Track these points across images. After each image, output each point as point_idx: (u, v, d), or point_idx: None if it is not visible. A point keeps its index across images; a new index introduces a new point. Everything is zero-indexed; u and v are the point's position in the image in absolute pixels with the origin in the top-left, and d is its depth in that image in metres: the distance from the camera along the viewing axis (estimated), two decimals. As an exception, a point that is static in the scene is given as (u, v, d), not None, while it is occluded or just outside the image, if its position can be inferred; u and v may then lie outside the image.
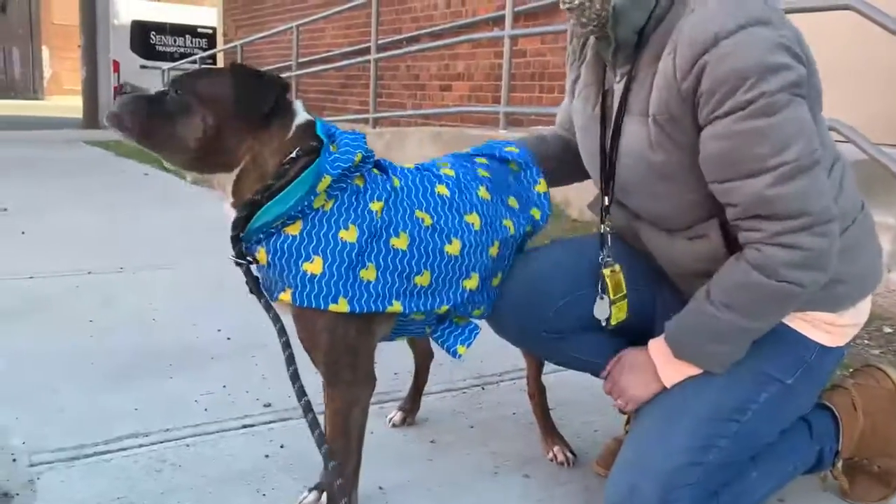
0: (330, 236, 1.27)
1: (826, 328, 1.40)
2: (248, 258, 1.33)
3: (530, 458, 1.77)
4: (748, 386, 1.36)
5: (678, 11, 1.29)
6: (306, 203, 1.26)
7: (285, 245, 1.28)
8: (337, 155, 1.28)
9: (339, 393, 1.36)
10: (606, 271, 1.48)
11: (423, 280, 1.34)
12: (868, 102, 3.65)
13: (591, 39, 1.46)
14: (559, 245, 1.65)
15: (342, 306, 1.27)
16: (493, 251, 1.44)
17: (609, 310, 1.49)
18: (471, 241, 1.39)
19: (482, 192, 1.45)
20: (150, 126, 1.28)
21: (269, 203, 1.26)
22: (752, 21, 1.20)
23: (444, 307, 1.39)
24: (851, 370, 1.68)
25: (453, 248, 1.36)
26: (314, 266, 1.26)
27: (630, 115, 1.36)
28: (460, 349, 1.47)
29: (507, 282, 1.51)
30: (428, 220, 1.35)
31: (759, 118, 1.19)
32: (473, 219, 1.41)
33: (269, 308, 1.34)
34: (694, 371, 1.36)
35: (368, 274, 1.28)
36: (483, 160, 1.55)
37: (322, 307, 1.27)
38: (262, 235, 1.29)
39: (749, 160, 1.21)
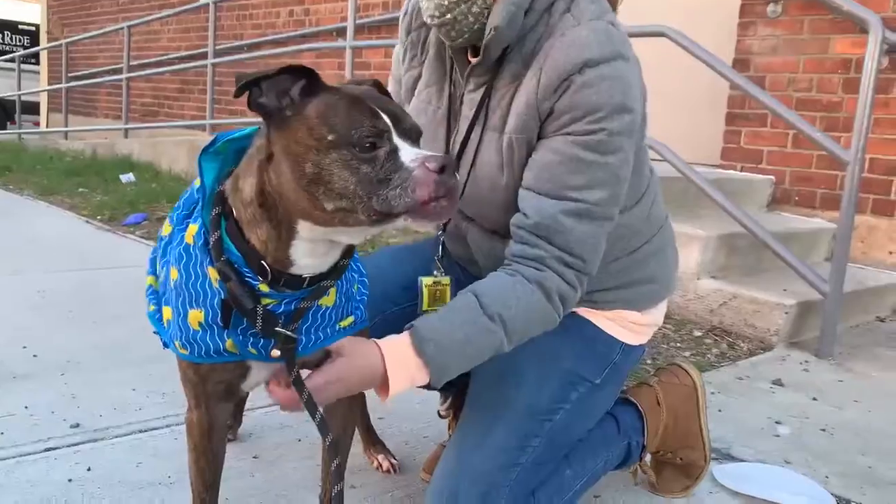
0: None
1: (630, 327, 1.48)
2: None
3: (358, 469, 1.74)
4: (560, 387, 1.41)
5: (544, 31, 1.29)
6: None
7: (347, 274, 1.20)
8: None
9: None
10: (427, 280, 1.44)
11: None
12: (680, 124, 3.94)
13: (433, 37, 1.43)
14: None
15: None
16: None
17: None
18: None
19: None
20: None
21: None
22: (616, 55, 1.23)
23: None
24: (657, 368, 1.79)
25: None
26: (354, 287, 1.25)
27: (486, 129, 1.35)
28: None
29: None
30: None
31: (589, 151, 1.24)
32: None
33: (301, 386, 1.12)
34: (416, 383, 1.21)
35: None
36: None
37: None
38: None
39: (560, 182, 1.26)
